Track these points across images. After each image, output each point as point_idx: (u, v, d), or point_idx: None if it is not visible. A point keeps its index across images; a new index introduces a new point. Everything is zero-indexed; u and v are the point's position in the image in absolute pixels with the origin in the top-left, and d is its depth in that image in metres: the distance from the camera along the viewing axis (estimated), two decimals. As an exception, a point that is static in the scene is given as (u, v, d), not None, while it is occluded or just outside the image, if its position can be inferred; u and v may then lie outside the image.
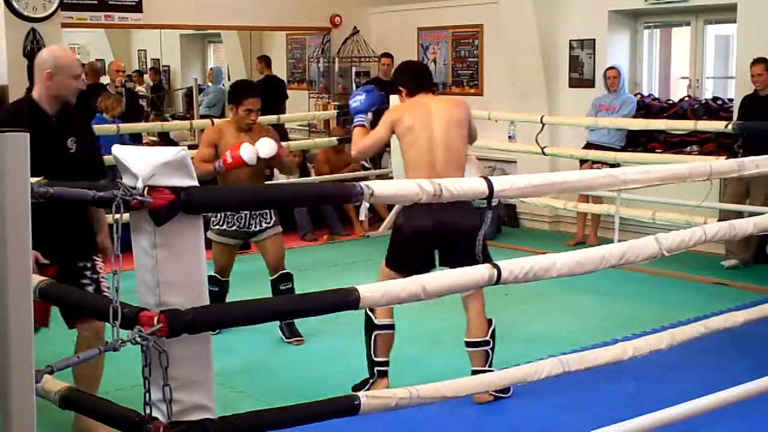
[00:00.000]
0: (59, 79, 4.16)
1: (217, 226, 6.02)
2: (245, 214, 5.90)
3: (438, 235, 4.82)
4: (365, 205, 9.08)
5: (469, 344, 4.97)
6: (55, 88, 4.17)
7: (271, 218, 5.99)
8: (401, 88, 5.16)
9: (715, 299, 6.81)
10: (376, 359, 5.01)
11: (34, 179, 2.32)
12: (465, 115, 5.15)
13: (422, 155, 4.90)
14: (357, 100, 5.32)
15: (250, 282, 6.36)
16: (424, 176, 4.25)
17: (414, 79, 5.16)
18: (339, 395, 2.92)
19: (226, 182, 5.76)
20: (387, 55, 11.24)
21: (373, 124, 5.24)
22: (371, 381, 4.99)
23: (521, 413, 4.78)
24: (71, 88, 4.23)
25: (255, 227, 5.96)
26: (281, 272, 6.00)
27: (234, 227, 5.97)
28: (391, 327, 5.00)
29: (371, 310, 4.89)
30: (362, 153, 5.21)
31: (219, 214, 5.97)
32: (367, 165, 10.36)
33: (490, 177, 3.01)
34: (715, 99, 8.94)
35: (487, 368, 4.85)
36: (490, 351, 4.95)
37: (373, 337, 4.98)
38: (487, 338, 4.95)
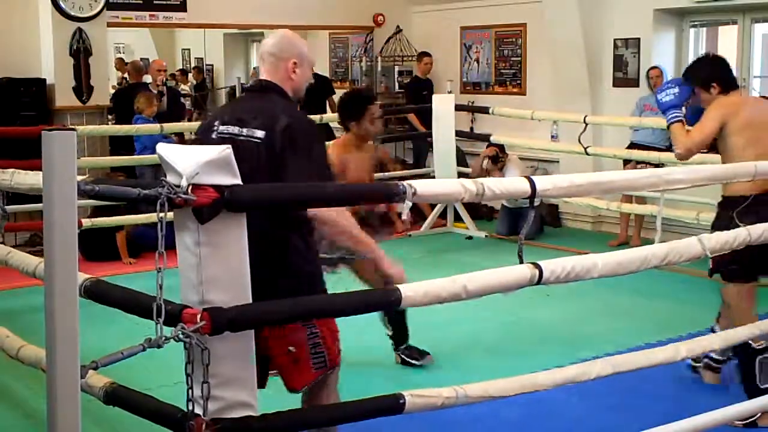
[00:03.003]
0: (303, 71, 3.54)
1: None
2: None
3: None
4: (408, 204, 9.06)
5: None
6: (297, 84, 3.53)
7: None
8: (714, 84, 4.77)
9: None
10: None
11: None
12: None
13: (764, 155, 4.41)
14: (670, 93, 4.89)
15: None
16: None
17: (728, 76, 4.86)
18: (382, 394, 2.92)
19: None
20: (427, 54, 11.21)
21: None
22: None
23: (567, 415, 4.75)
24: (308, 81, 3.62)
25: None
26: None
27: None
28: None
29: None
30: (691, 151, 4.75)
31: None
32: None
33: (532, 177, 3.00)
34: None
35: None
36: None
37: None
38: None
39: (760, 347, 4.45)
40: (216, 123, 3.48)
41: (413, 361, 5.39)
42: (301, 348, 3.23)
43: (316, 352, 3.28)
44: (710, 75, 4.80)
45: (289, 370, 3.29)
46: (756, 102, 4.96)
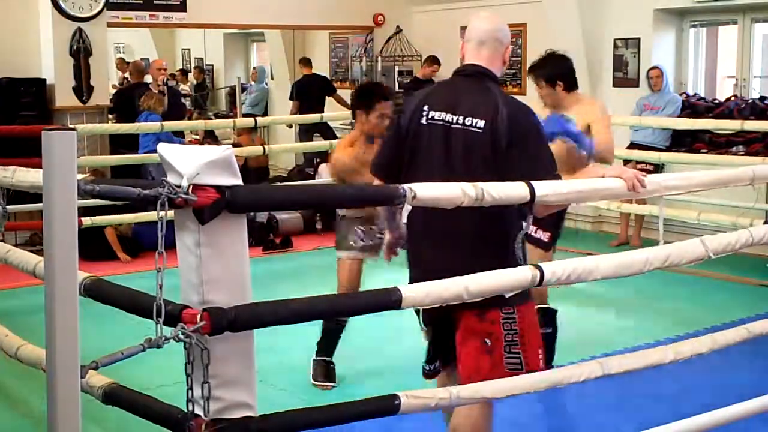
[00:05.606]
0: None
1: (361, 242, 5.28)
2: None
3: None
4: (407, 207, 9.03)
5: None
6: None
7: None
8: (559, 82, 5.06)
9: (760, 302, 6.72)
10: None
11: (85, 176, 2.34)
12: None
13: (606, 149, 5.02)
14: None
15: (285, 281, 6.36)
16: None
17: (571, 75, 5.14)
18: (379, 395, 2.92)
19: None
20: (435, 61, 11.19)
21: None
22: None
23: (562, 414, 4.75)
24: None
25: None
26: None
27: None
28: None
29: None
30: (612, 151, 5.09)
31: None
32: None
33: (532, 182, 2.98)
34: (762, 98, 8.82)
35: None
36: None
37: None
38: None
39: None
40: (425, 108, 3.30)
41: (312, 377, 5.27)
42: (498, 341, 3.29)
43: (511, 351, 3.32)
44: (556, 73, 5.06)
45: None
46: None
